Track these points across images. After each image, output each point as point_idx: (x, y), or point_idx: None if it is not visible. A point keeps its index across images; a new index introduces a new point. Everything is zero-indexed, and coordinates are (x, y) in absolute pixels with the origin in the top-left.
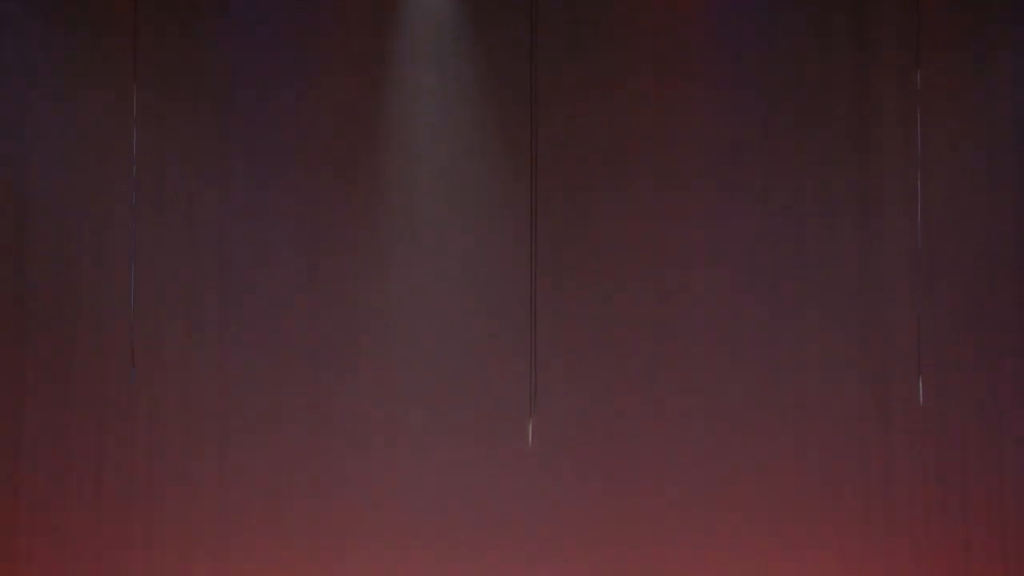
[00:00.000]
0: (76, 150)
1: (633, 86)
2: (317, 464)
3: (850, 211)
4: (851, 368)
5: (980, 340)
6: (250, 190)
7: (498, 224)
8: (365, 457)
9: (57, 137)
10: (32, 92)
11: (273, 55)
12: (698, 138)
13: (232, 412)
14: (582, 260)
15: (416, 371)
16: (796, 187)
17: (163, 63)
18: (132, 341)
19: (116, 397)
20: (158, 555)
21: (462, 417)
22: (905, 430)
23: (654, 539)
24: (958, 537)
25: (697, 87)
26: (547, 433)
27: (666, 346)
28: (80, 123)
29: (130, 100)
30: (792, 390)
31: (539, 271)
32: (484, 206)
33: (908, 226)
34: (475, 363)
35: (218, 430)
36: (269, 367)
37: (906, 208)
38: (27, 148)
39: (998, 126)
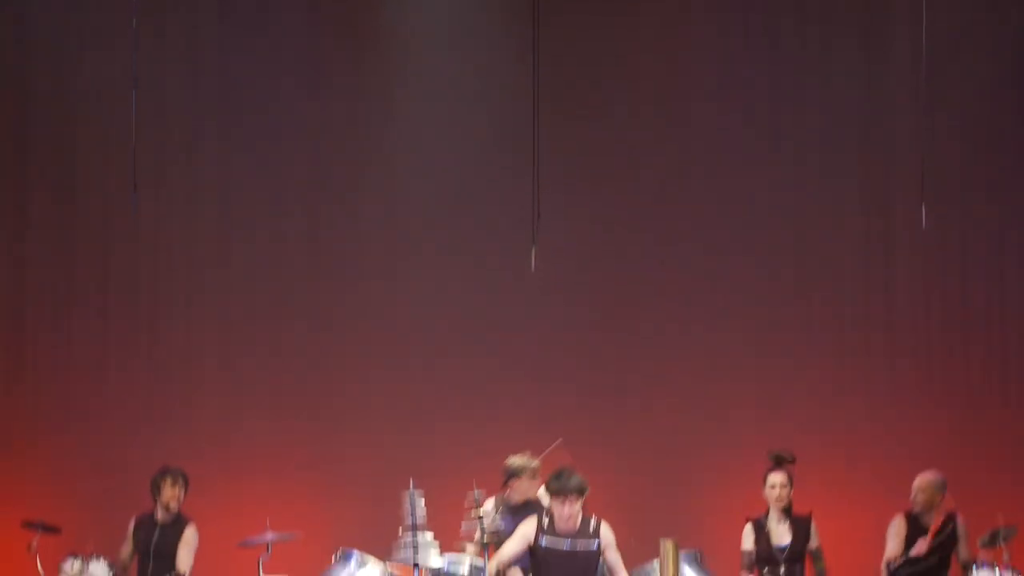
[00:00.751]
0: None
1: None
2: (317, 284)
3: (853, 32)
4: (853, 193)
5: (982, 164)
6: (250, 12)
7: (499, 44)
8: (366, 277)
9: None
10: None
11: None
12: None
13: (233, 233)
14: (586, 87)
15: (419, 197)
16: (798, 8)
17: None
18: (133, 165)
19: (119, 223)
20: (162, 378)
21: (466, 241)
22: (908, 254)
23: (652, 362)
24: (958, 355)
25: None
26: (549, 258)
27: (668, 176)
28: None
29: None
30: (794, 216)
31: (541, 95)
32: (484, 31)
33: (912, 49)
34: (479, 189)
35: (219, 250)
36: (270, 190)
37: (910, 30)
38: None
39: None
